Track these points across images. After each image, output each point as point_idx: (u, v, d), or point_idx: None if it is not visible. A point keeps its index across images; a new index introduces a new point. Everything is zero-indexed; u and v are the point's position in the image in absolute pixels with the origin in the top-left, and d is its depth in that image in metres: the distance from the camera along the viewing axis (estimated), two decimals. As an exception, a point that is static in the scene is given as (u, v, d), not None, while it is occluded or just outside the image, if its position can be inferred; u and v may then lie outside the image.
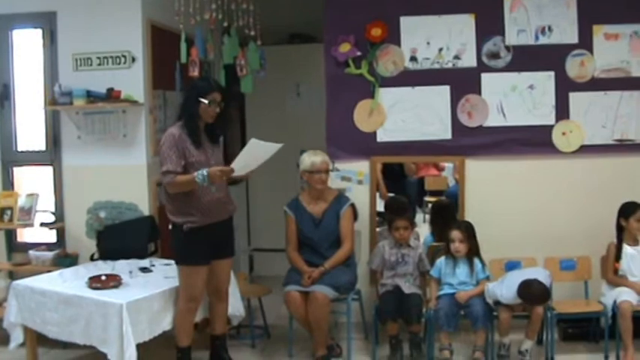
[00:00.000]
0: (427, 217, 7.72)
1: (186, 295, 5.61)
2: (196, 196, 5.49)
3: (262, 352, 6.59)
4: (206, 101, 5.50)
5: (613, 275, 6.34)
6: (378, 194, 7.27)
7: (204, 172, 5.29)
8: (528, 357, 6.09)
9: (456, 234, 6.27)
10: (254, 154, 5.49)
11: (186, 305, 5.63)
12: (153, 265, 6.27)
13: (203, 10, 6.29)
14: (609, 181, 6.91)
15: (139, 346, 5.32)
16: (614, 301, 6.15)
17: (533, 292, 5.96)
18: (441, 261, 6.36)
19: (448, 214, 6.96)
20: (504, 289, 6.03)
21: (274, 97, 8.71)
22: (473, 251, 6.28)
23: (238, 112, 8.95)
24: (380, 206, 7.15)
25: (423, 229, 7.32)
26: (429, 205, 7.91)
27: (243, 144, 8.41)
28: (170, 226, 5.69)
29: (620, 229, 6.38)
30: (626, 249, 6.33)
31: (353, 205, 6.49)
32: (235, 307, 6.28)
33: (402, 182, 8.13)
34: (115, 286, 5.64)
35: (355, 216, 6.51)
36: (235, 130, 8.91)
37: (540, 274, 6.10)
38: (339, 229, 6.38)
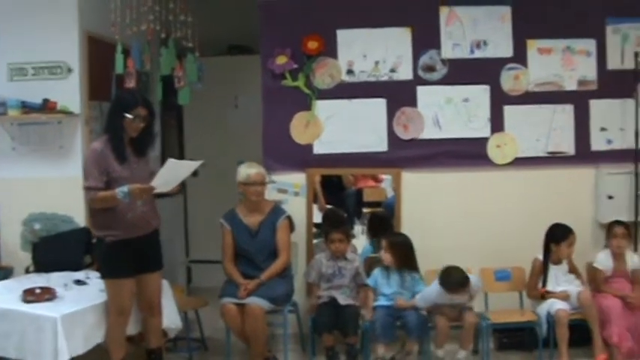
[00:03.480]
0: (365, 228, 7.75)
1: (115, 308, 5.55)
2: (119, 211, 5.41)
3: (199, 365, 6.57)
4: (130, 116, 5.40)
5: (536, 291, 6.46)
6: (316, 206, 7.30)
7: (125, 189, 5.23)
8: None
9: (383, 243, 6.37)
10: (173, 172, 5.46)
11: (115, 319, 5.56)
12: (88, 278, 6.17)
13: (140, 21, 6.27)
14: (543, 193, 7.03)
15: (73, 360, 5.27)
16: (548, 311, 6.26)
17: (452, 277, 6.11)
18: (376, 272, 6.41)
19: (384, 225, 7.00)
20: (429, 287, 6.21)
21: (213, 108, 8.68)
22: (404, 263, 6.33)
23: (176, 123, 8.91)
24: (318, 218, 7.17)
25: (362, 240, 7.36)
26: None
27: (182, 155, 8.47)
28: (94, 240, 5.65)
29: (547, 251, 6.49)
30: (551, 269, 6.46)
31: (289, 217, 6.50)
32: (172, 319, 6.20)
33: (341, 194, 8.13)
34: (50, 299, 5.55)
35: (291, 228, 6.53)
36: (173, 141, 8.87)
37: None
38: (276, 240, 6.38)
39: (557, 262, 6.48)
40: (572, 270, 6.53)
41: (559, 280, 6.44)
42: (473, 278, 6.23)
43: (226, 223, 6.45)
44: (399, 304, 6.19)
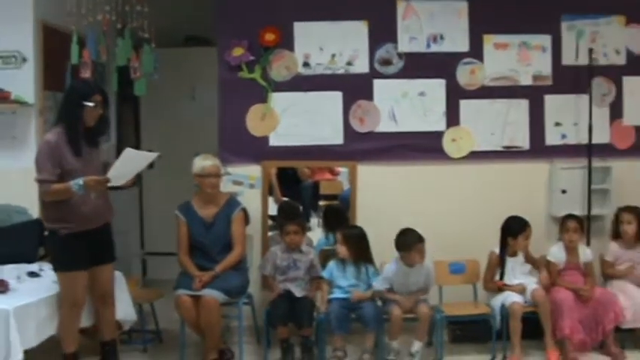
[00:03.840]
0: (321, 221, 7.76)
1: (68, 301, 5.51)
2: (73, 204, 5.38)
3: (154, 356, 6.54)
4: (91, 104, 5.39)
5: (492, 284, 6.52)
6: (272, 198, 7.30)
7: (80, 181, 5.21)
8: (417, 358, 6.20)
9: (338, 236, 6.40)
10: (129, 163, 5.44)
11: (68, 311, 5.53)
12: (42, 270, 6.11)
13: (96, 11, 6.22)
14: (498, 186, 7.10)
15: (26, 352, 5.20)
16: (502, 304, 6.32)
17: (407, 236, 6.26)
18: (332, 264, 6.43)
19: (340, 218, 7.01)
20: (387, 268, 6.36)
21: (170, 100, 8.64)
22: (359, 256, 6.36)
23: (132, 115, 8.86)
24: (273, 210, 7.17)
25: (318, 233, 7.37)
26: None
27: (138, 146, 8.41)
28: (46, 233, 5.61)
29: (504, 244, 6.54)
30: (508, 262, 6.52)
31: (244, 209, 6.47)
32: (126, 312, 6.20)
33: (297, 186, 8.15)
34: (2, 292, 5.48)
35: (247, 220, 6.50)
36: (130, 132, 8.81)
37: None
38: (231, 233, 6.36)
39: (514, 254, 6.53)
40: (530, 261, 6.58)
41: (515, 272, 6.50)
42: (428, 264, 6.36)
43: (181, 215, 6.42)
44: (356, 296, 6.21)
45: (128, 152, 5.37)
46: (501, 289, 6.42)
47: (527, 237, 6.49)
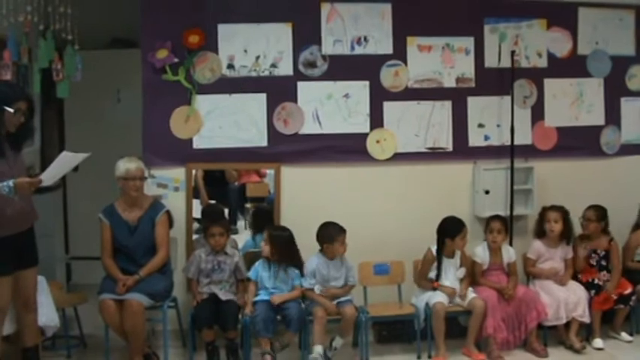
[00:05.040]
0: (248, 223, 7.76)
1: None
2: None
3: (78, 362, 6.48)
4: (11, 110, 5.25)
5: (426, 281, 6.58)
6: (199, 201, 7.27)
7: (10, 183, 5.09)
8: (331, 353, 6.31)
9: (264, 235, 6.43)
10: (64, 164, 5.38)
11: None
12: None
13: (18, 12, 6.11)
14: (422, 187, 7.18)
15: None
16: (427, 303, 6.39)
17: (328, 228, 6.38)
18: (258, 264, 6.43)
19: (268, 219, 7.00)
20: (310, 261, 6.43)
21: (94, 102, 8.50)
22: (284, 256, 6.37)
23: (57, 117, 8.73)
24: (198, 213, 7.15)
25: (245, 235, 7.37)
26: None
27: (62, 149, 8.29)
28: None
29: (441, 245, 6.60)
30: (444, 261, 6.59)
31: (168, 212, 6.44)
32: (49, 317, 6.06)
33: (224, 189, 8.14)
34: None
35: (171, 223, 6.47)
36: (54, 135, 8.69)
37: None
38: (155, 236, 6.32)
39: (450, 255, 6.61)
40: (466, 263, 6.68)
41: (448, 274, 6.57)
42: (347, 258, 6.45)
43: (105, 219, 6.36)
44: (274, 300, 6.20)
45: (65, 155, 5.31)
46: (436, 288, 6.48)
47: (463, 237, 6.57)
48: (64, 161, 5.35)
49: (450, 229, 6.57)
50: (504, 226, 6.75)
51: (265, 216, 7.21)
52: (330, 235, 6.35)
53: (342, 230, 6.37)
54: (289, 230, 6.53)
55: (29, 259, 5.66)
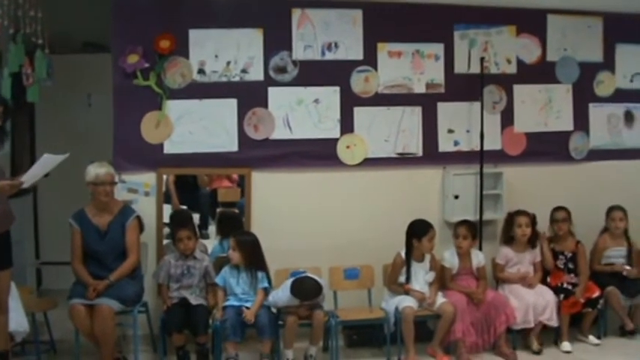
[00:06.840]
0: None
1: None
2: None
3: (48, 367, 6.45)
4: None
5: (396, 285, 6.60)
6: (170, 206, 7.26)
7: None
8: (314, 360, 6.28)
9: (231, 242, 6.40)
10: (45, 166, 5.40)
11: None
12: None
13: (-13, 16, 6.12)
14: (392, 193, 7.22)
15: None
16: (396, 308, 6.41)
17: (305, 287, 6.16)
18: (224, 271, 6.43)
19: (234, 224, 7.02)
20: (280, 292, 6.21)
21: (65, 107, 8.49)
22: (251, 262, 6.36)
23: (28, 122, 8.70)
24: (168, 218, 7.14)
25: (216, 240, 7.35)
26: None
27: (33, 153, 8.28)
28: None
29: (409, 247, 6.63)
30: (414, 265, 6.61)
31: (139, 217, 6.43)
32: (18, 322, 6.02)
33: (196, 194, 8.11)
34: None
35: (141, 228, 6.46)
36: (25, 139, 8.65)
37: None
38: (125, 241, 6.32)
39: (420, 259, 6.64)
40: (436, 266, 6.71)
41: (418, 277, 6.60)
42: (322, 282, 6.35)
43: (75, 224, 6.34)
44: (248, 319, 6.11)
45: (47, 157, 5.32)
46: (407, 292, 6.51)
47: (431, 239, 6.59)
48: (46, 163, 5.36)
49: (417, 230, 6.60)
50: (470, 231, 6.79)
51: (230, 221, 7.23)
52: (305, 293, 6.17)
53: (316, 292, 6.23)
54: (254, 234, 6.53)
55: (4, 261, 5.63)
